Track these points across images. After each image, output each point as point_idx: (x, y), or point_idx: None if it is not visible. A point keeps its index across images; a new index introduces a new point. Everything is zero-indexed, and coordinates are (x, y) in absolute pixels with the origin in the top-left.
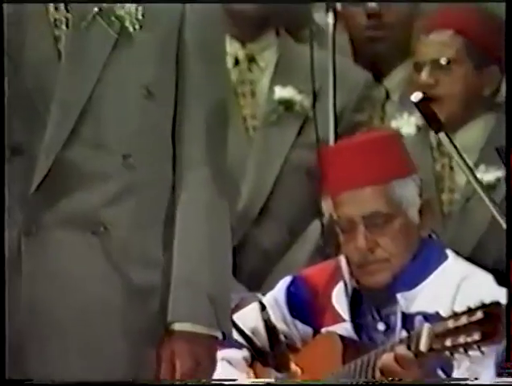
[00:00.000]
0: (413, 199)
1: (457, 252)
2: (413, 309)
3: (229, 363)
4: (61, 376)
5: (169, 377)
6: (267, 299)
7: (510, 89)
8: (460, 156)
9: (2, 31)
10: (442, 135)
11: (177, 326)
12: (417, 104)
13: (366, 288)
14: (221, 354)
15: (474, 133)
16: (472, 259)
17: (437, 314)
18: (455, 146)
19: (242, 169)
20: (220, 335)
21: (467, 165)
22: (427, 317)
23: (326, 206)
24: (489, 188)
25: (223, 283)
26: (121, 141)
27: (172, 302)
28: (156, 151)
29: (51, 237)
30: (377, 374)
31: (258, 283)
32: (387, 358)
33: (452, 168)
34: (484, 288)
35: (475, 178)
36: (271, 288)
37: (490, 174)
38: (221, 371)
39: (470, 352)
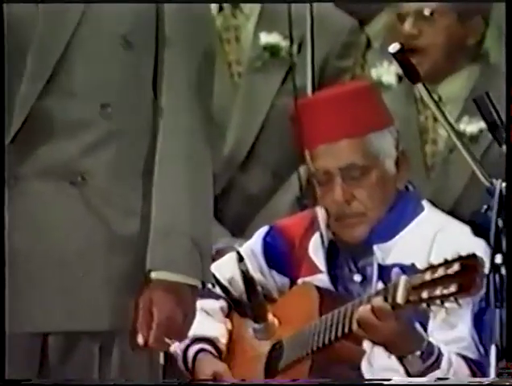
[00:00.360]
0: (389, 151)
1: (440, 204)
2: (389, 260)
3: (207, 314)
4: (41, 326)
5: (146, 326)
6: (244, 250)
7: (510, 88)
8: (439, 108)
9: (2, 31)
10: (420, 86)
11: (155, 275)
12: (395, 55)
13: (343, 241)
14: (199, 304)
15: (458, 84)
16: (453, 210)
17: (413, 265)
18: (433, 98)
19: (228, 115)
20: (199, 284)
21: (445, 118)
22: (403, 268)
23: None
24: (472, 139)
25: (203, 232)
26: (98, 91)
27: (151, 251)
28: (136, 100)
29: (29, 188)
30: (354, 326)
31: (241, 228)
32: (364, 310)
33: (435, 120)
34: (460, 239)
35: (454, 130)
36: (254, 233)
37: (473, 126)
38: (199, 321)
39: (447, 304)
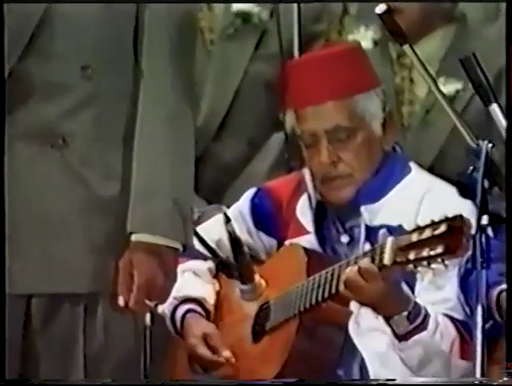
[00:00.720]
0: (376, 112)
1: (418, 164)
2: (376, 222)
3: (195, 274)
4: (21, 288)
5: (126, 288)
6: (232, 211)
7: (510, 91)
8: (425, 68)
9: (2, 31)
10: (406, 47)
11: (135, 237)
12: (381, 16)
13: (330, 202)
14: (187, 265)
15: (434, 44)
16: (432, 170)
17: (400, 226)
18: (419, 58)
19: (201, 82)
20: (180, 247)
21: (431, 76)
22: (390, 230)
23: (290, 119)
24: (449, 100)
25: (184, 194)
26: (79, 53)
27: (131, 213)
28: (116, 63)
29: (11, 150)
30: (341, 287)
31: (218, 197)
32: (351, 271)
33: (412, 80)
34: (447, 200)
35: (438, 89)
36: (231, 201)
37: (450, 86)
38: (187, 282)
39: (433, 265)
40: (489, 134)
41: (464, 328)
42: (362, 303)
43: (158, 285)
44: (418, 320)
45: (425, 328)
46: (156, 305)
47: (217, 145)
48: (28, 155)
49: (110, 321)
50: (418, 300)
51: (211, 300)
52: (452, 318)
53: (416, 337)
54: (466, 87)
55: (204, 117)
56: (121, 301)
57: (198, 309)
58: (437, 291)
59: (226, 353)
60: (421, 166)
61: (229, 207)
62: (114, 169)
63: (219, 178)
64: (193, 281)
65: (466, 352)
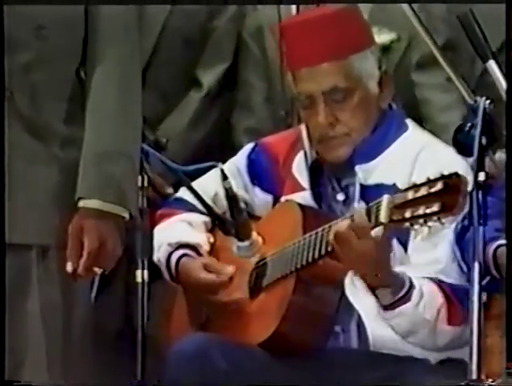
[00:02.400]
0: (372, 71)
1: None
2: (371, 181)
3: (189, 225)
4: None
5: (75, 254)
6: (228, 167)
7: (510, 90)
8: (421, 22)
9: (2, 31)
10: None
11: (85, 203)
12: None
13: (326, 161)
14: (182, 216)
15: None
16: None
17: (394, 185)
18: (416, 13)
19: None
20: (126, 215)
21: (428, 32)
22: (384, 188)
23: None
24: (385, 50)
25: (132, 161)
26: (35, 12)
27: (81, 179)
28: (69, 25)
29: None
30: (331, 238)
31: None
32: (343, 224)
33: None
34: (442, 158)
35: (436, 45)
36: None
37: (384, 36)
38: (181, 230)
39: (430, 223)
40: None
41: (453, 292)
42: (347, 266)
43: (107, 251)
44: (401, 293)
45: (409, 299)
46: (103, 272)
47: None
48: None
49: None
50: (404, 269)
51: (205, 247)
52: (440, 283)
53: (400, 308)
54: (401, 37)
55: None
56: (69, 267)
57: (193, 254)
58: (428, 251)
59: (228, 269)
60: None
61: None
62: (58, 131)
63: None
64: (188, 229)
65: (454, 318)
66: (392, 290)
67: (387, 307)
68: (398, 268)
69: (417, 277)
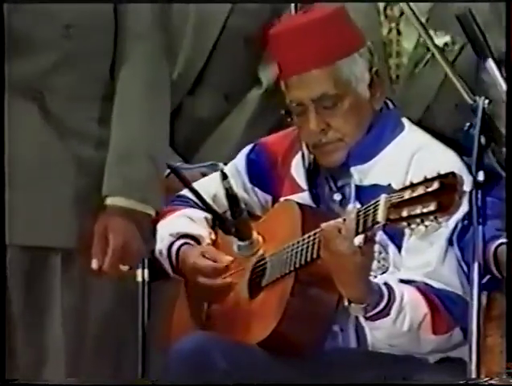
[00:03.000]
0: (362, 74)
1: (408, 118)
2: (367, 181)
3: (191, 219)
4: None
5: (101, 251)
6: (228, 167)
7: (510, 89)
8: (418, 20)
9: (3, 31)
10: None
11: (110, 201)
12: None
13: (322, 165)
14: (183, 212)
15: None
16: (420, 124)
17: (389, 186)
18: (413, 10)
19: (180, 37)
20: (153, 212)
21: (426, 31)
22: (380, 189)
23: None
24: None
25: (159, 160)
26: (62, 11)
27: (107, 176)
28: (98, 24)
29: None
30: (317, 234)
31: (191, 152)
32: (330, 225)
33: (399, 32)
34: (438, 159)
35: (434, 44)
36: (205, 157)
37: (439, 40)
38: (183, 223)
39: (426, 222)
40: (481, 90)
41: (441, 299)
42: (330, 268)
43: (132, 249)
44: (380, 306)
45: (388, 314)
46: (130, 269)
47: (193, 99)
48: (11, 108)
49: (87, 277)
50: (403, 262)
51: (207, 240)
52: (427, 290)
53: (379, 321)
54: (455, 40)
55: (181, 70)
56: (94, 265)
57: (193, 243)
58: (420, 254)
59: (226, 257)
60: (412, 121)
61: (202, 162)
62: (90, 131)
63: (193, 133)
64: (190, 222)
65: (439, 326)
66: (365, 307)
67: (367, 318)
68: (389, 271)
69: (402, 283)
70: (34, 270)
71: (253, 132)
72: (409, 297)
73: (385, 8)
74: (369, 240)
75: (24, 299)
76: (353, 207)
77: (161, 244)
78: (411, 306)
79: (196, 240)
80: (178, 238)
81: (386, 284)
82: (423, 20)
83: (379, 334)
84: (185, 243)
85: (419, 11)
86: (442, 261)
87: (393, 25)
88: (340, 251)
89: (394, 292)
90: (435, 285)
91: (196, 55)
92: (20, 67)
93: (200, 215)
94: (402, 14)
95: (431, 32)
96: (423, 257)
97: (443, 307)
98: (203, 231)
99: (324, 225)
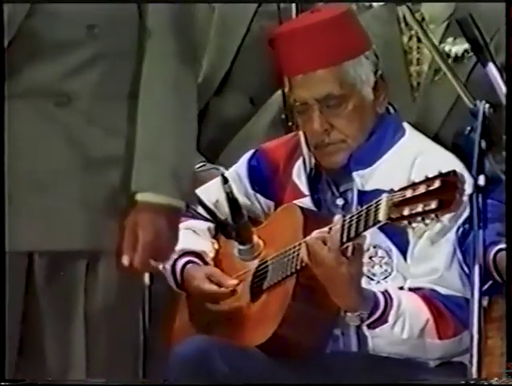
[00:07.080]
0: (367, 77)
1: (425, 125)
2: (368, 186)
3: (194, 232)
4: (22, 246)
5: (131, 247)
6: (230, 173)
7: (510, 89)
8: (422, 29)
9: (2, 31)
10: (404, 8)
11: (140, 197)
12: None
13: (324, 167)
14: (186, 224)
15: (441, 3)
16: (438, 132)
17: (392, 190)
18: (416, 19)
19: (204, 39)
20: (183, 206)
21: (429, 38)
22: (382, 194)
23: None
24: (457, 60)
25: (187, 155)
26: (85, 12)
27: (136, 173)
28: (122, 23)
29: (13, 108)
30: (303, 250)
31: (216, 153)
32: (314, 235)
33: (419, 40)
34: (439, 164)
35: (438, 52)
36: (228, 158)
37: (458, 47)
38: (186, 238)
39: (427, 221)
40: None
41: (446, 304)
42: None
43: (162, 244)
44: (375, 315)
45: (386, 321)
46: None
47: (218, 101)
48: (31, 113)
49: (111, 279)
50: (410, 269)
51: (210, 254)
52: (431, 296)
53: (379, 329)
54: None
55: (206, 73)
56: (125, 261)
57: (198, 261)
58: (427, 261)
59: (231, 281)
60: (418, 127)
61: (225, 163)
62: (118, 129)
63: (218, 135)
64: (193, 237)
65: (445, 331)
66: (360, 315)
67: (366, 325)
68: (393, 275)
69: (410, 291)
70: (56, 276)
71: (277, 133)
72: (408, 303)
73: (404, 16)
74: (357, 249)
75: (47, 307)
76: (339, 217)
77: None
78: (411, 313)
79: (200, 256)
80: (181, 255)
81: (383, 291)
82: (444, 26)
83: (380, 342)
84: (189, 261)
85: (440, 18)
86: (449, 267)
87: (413, 32)
88: (326, 264)
89: (392, 298)
90: (443, 291)
91: (221, 57)
92: (41, 71)
93: (203, 226)
94: (423, 19)
95: (450, 39)
96: (429, 264)
97: (449, 312)
98: (206, 245)
99: (308, 239)
